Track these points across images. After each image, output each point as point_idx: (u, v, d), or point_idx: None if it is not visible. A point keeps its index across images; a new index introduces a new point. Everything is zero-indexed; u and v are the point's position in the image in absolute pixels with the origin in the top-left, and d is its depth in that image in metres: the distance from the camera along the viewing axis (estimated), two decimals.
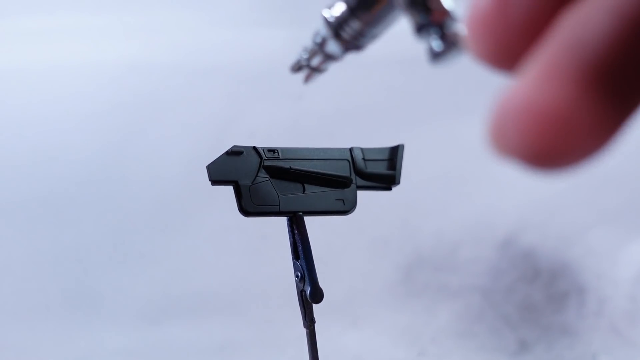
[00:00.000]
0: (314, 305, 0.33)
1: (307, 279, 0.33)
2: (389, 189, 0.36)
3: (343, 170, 0.35)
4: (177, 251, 0.66)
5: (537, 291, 0.63)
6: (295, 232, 0.33)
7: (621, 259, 0.63)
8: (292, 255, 0.34)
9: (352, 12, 0.20)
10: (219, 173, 0.32)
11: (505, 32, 0.12)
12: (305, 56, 0.27)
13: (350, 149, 0.35)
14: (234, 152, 0.33)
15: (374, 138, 0.68)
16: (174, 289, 0.65)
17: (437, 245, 0.65)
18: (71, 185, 0.67)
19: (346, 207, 0.35)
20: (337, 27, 0.21)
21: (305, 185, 0.34)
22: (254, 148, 0.33)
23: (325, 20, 0.21)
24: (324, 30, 0.22)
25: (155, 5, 0.72)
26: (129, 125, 0.69)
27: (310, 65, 0.26)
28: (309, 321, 0.34)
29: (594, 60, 0.10)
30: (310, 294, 0.32)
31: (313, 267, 0.33)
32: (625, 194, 0.65)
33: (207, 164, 0.32)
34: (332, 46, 0.22)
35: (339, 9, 0.20)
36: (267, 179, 0.33)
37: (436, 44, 0.16)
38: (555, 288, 0.62)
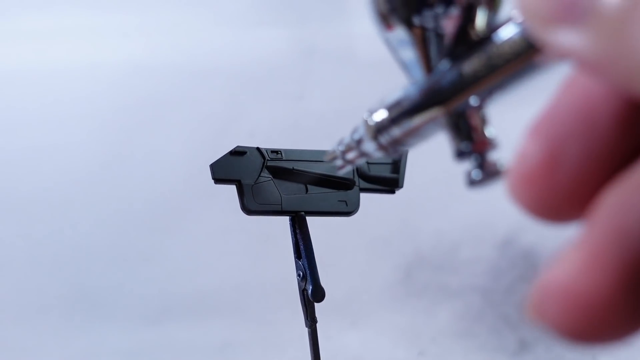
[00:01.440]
0: (315, 305, 0.34)
1: (308, 278, 0.33)
2: (392, 192, 0.36)
3: (346, 172, 0.35)
4: (177, 251, 0.66)
5: None
6: (297, 231, 0.34)
7: None
8: (294, 254, 0.34)
9: (393, 122, 0.20)
10: (222, 172, 0.32)
11: (549, 192, 0.12)
12: (341, 148, 0.27)
13: None
14: (238, 152, 0.33)
15: None
16: (174, 289, 0.65)
17: (437, 245, 0.65)
18: (71, 185, 0.67)
19: (349, 209, 0.35)
20: (376, 131, 0.21)
21: (308, 186, 0.34)
22: (257, 149, 0.33)
23: (366, 123, 0.22)
24: (362, 131, 0.22)
25: (155, 6, 0.72)
26: (129, 125, 0.69)
27: (345, 158, 0.27)
28: (310, 320, 0.34)
29: (636, 252, 0.10)
30: (311, 292, 0.32)
31: (315, 266, 0.33)
32: None
33: (210, 163, 0.32)
34: (369, 146, 0.23)
35: (381, 115, 0.21)
36: (270, 178, 0.33)
37: (475, 172, 0.16)
38: None
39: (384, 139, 0.21)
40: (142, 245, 0.66)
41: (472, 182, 0.17)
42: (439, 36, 0.17)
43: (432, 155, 0.71)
